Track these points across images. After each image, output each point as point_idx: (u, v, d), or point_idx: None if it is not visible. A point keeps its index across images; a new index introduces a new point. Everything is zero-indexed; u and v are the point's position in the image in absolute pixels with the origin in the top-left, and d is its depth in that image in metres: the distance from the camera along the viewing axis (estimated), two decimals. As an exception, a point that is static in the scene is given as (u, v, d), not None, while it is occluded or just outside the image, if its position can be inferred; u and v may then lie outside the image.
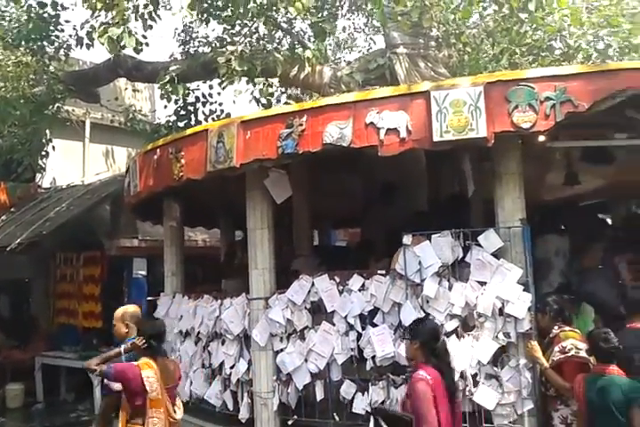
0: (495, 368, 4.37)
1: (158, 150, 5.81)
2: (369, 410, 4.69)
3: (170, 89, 6.77)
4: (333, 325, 4.94)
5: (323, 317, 5.01)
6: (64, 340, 9.49)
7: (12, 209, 10.53)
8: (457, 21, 6.67)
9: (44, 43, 9.22)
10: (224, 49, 6.99)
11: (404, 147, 4.34)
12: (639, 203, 7.98)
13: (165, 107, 9.94)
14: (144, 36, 7.44)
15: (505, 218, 4.51)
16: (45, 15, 9.10)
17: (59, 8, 9.19)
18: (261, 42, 9.02)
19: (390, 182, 7.09)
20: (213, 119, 9.21)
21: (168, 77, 6.72)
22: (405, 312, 4.56)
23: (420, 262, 4.52)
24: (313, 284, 5.07)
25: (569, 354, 4.00)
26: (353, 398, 4.84)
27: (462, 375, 4.34)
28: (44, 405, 9.24)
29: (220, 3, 7.02)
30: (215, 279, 8.01)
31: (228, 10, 6.79)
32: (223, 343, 5.62)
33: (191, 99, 9.14)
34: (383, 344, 4.65)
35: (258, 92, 7.09)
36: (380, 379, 4.75)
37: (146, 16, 6.67)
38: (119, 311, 4.76)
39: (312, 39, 10.18)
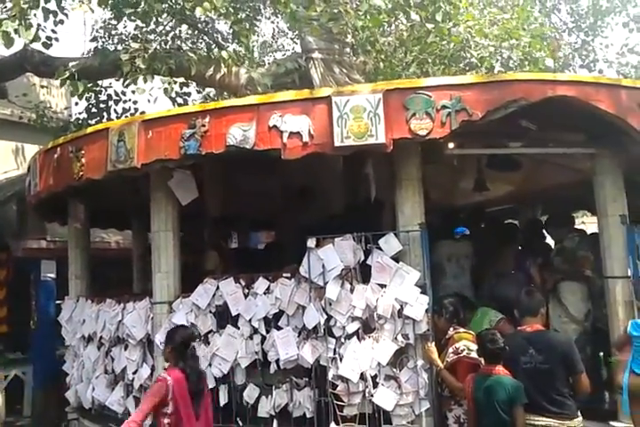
0: (394, 369, 4.45)
1: (59, 149, 5.62)
2: (273, 413, 4.71)
3: (69, 85, 6.54)
4: (238, 328, 4.91)
5: (227, 321, 4.96)
6: (-34, 346, 8.97)
7: None
8: (369, 29, 6.76)
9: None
10: (130, 47, 6.81)
11: (307, 151, 4.36)
12: (545, 209, 8.33)
13: (77, 104, 9.62)
14: (53, 31, 7.17)
15: (405, 222, 4.61)
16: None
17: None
18: (177, 41, 8.87)
19: (306, 186, 7.11)
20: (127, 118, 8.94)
21: (68, 73, 6.46)
22: (309, 315, 4.60)
23: (323, 265, 4.56)
24: (218, 287, 5.03)
25: (461, 355, 4.11)
26: (257, 401, 4.84)
27: (362, 377, 4.41)
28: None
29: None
30: (131, 282, 7.85)
31: (139, 8, 6.60)
32: (126, 348, 5.51)
33: (104, 96, 8.87)
34: (287, 347, 4.68)
35: (163, 91, 6.89)
36: (283, 382, 4.77)
37: (52, 9, 6.40)
38: None
39: (232, 40, 10.12)
